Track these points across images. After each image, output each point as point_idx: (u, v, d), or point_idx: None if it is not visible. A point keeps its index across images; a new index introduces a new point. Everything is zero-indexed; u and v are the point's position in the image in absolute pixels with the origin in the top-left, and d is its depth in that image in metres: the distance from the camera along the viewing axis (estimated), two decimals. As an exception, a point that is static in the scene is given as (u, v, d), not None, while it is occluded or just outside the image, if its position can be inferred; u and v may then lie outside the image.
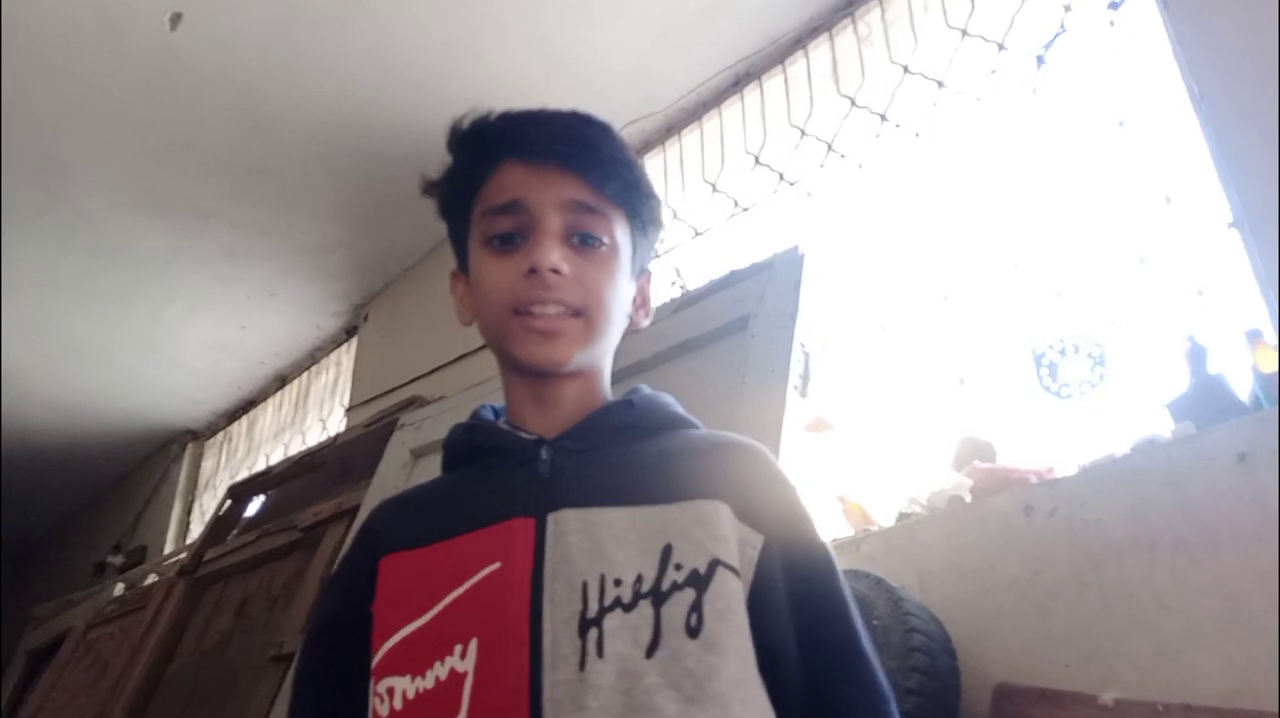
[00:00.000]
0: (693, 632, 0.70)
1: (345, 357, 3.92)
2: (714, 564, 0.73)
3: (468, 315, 0.90)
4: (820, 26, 2.41)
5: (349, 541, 1.28)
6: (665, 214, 1.01)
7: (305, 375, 4.20)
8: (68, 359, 3.99)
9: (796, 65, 2.48)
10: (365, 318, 3.75)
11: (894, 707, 0.77)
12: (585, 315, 0.82)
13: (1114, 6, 1.88)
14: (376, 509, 0.90)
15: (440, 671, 0.71)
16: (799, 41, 2.46)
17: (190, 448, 4.81)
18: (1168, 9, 1.66)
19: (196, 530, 4.29)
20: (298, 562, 2.42)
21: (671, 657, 0.69)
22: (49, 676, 3.26)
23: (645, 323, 0.93)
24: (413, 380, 3.12)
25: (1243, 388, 1.44)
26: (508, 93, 2.32)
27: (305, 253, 3.40)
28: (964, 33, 2.13)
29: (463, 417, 0.91)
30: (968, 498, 1.64)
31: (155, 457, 4.96)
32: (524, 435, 0.84)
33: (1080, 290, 1.80)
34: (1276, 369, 1.37)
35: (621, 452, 0.82)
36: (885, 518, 1.81)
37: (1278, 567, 1.21)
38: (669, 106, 2.66)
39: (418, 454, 2.22)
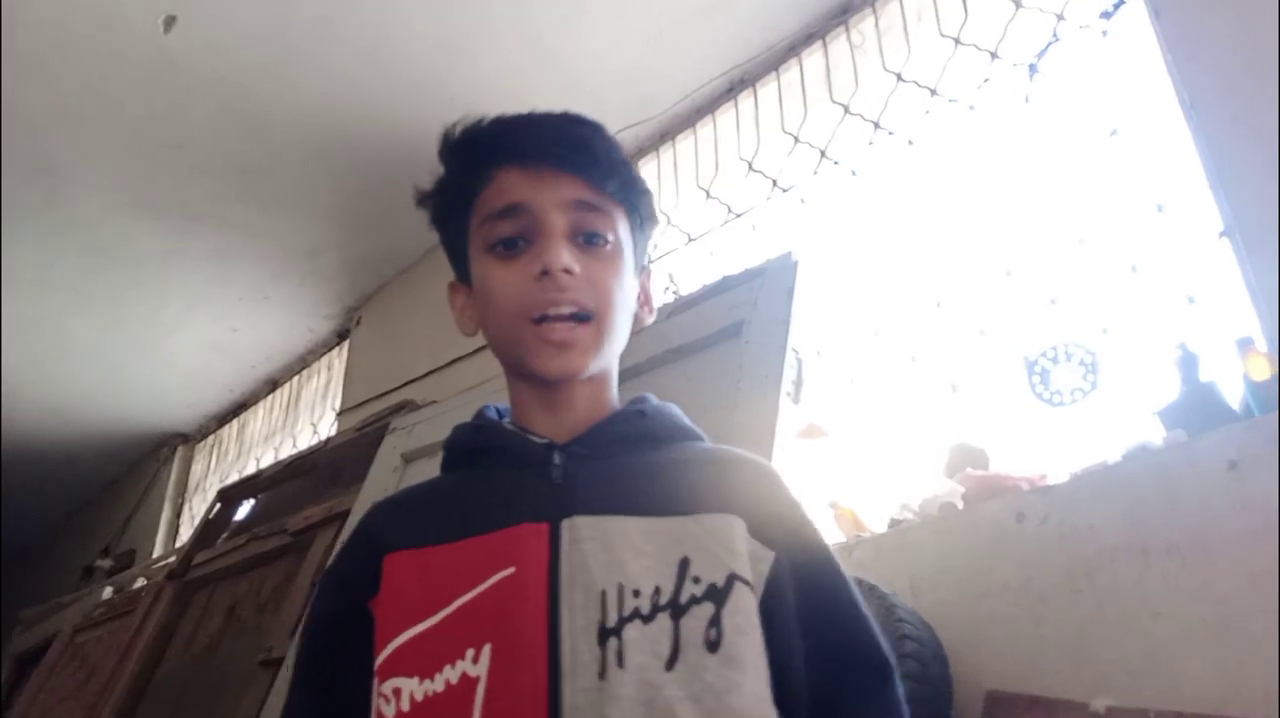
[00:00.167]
0: (712, 646, 0.70)
1: (337, 360, 3.90)
2: (731, 579, 0.73)
3: (470, 326, 0.89)
4: (814, 34, 2.42)
5: (342, 541, 1.27)
6: (659, 218, 1.01)
7: (297, 379, 4.18)
8: (59, 361, 3.97)
9: (790, 72, 2.48)
10: (357, 321, 3.74)
11: None
12: (596, 319, 0.82)
13: (1106, 16, 1.90)
14: (372, 509, 0.88)
15: (451, 674, 0.70)
16: (793, 49, 2.47)
17: (180, 451, 4.79)
18: (1159, 18, 1.67)
19: (186, 534, 4.27)
20: (287, 566, 2.41)
21: (691, 671, 0.69)
22: (36, 679, 3.23)
23: (650, 320, 0.92)
24: (405, 384, 3.11)
25: (1234, 396, 1.44)
26: (501, 94, 2.33)
27: (298, 255, 3.39)
28: (957, 41, 2.14)
29: (455, 421, 0.90)
30: (960, 504, 1.64)
31: (145, 460, 4.94)
32: (534, 439, 0.82)
33: (1072, 298, 1.81)
34: (1267, 377, 1.38)
35: (633, 461, 0.81)
36: (877, 524, 1.81)
37: (1271, 572, 1.21)
38: (663, 112, 2.66)
39: (409, 459, 2.21)
